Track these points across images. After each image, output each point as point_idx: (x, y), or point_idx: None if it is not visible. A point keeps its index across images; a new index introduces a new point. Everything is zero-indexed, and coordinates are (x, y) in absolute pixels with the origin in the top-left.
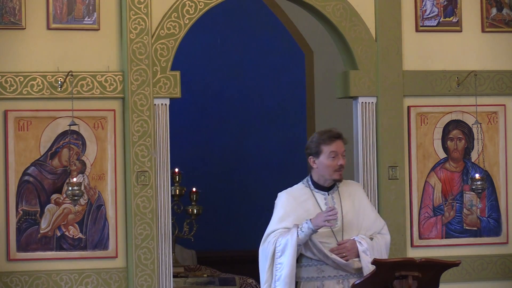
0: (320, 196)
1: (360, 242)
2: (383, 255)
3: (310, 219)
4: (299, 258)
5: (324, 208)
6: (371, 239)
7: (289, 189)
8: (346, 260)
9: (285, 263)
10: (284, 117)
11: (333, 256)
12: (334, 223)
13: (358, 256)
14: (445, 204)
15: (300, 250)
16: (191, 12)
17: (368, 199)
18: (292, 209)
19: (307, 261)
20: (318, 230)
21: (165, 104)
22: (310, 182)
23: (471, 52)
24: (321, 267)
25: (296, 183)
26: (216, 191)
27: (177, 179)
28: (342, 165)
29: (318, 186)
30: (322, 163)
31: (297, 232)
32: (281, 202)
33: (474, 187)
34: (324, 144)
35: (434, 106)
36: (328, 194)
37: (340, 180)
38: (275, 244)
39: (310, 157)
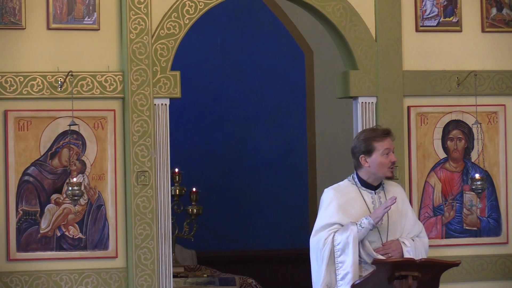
0: (367, 194)
1: (404, 243)
2: (423, 257)
3: (369, 215)
4: None
5: (371, 206)
6: (413, 240)
7: (335, 185)
8: None
9: (349, 262)
10: (284, 117)
11: (379, 256)
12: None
13: (402, 256)
14: (445, 204)
15: None
16: (191, 12)
17: (409, 202)
18: (342, 205)
19: None
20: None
21: (165, 104)
22: (357, 180)
23: (471, 52)
24: (365, 266)
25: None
26: (216, 191)
27: (177, 179)
28: (395, 162)
29: (365, 184)
30: (375, 161)
31: (357, 228)
32: (330, 198)
33: (474, 187)
34: (376, 141)
35: (434, 106)
36: (375, 193)
37: (392, 178)
38: (333, 243)
39: (362, 156)
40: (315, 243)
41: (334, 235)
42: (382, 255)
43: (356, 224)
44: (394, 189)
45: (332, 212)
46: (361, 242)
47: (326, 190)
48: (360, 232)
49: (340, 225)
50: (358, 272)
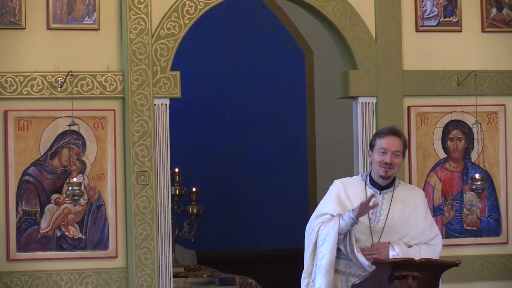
0: (371, 193)
1: (393, 247)
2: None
3: (353, 209)
4: None
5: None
6: (410, 246)
7: (346, 178)
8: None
9: (325, 252)
10: (284, 117)
11: (359, 254)
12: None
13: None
14: (445, 204)
15: (341, 240)
16: (191, 12)
17: (426, 209)
18: (341, 198)
19: (338, 253)
20: (357, 228)
21: (165, 104)
22: (368, 177)
23: (471, 52)
24: (349, 263)
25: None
26: (216, 191)
27: (177, 179)
28: (388, 163)
29: (373, 183)
30: (373, 157)
31: (339, 221)
32: (333, 189)
33: (474, 187)
34: (378, 138)
35: (434, 106)
36: (380, 193)
37: (384, 177)
38: (318, 233)
39: (369, 150)
40: (307, 232)
41: (320, 226)
42: (367, 255)
43: (340, 216)
44: (407, 193)
45: (329, 203)
46: (349, 235)
47: (335, 181)
48: (342, 224)
49: (331, 215)
50: (334, 265)
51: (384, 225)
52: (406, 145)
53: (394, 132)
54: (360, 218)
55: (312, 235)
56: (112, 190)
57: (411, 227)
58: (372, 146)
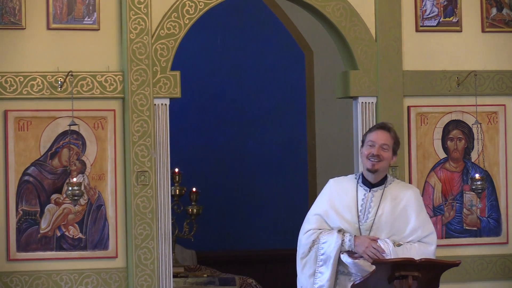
0: (361, 191)
1: (380, 246)
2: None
3: (355, 237)
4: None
5: (360, 203)
6: (399, 245)
7: (340, 177)
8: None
9: (326, 275)
10: (284, 117)
11: (344, 256)
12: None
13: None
14: (445, 204)
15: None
16: (191, 12)
17: (420, 207)
18: (332, 198)
19: None
20: (345, 226)
21: (165, 104)
22: (360, 176)
23: (471, 52)
24: (340, 277)
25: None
26: (216, 191)
27: (177, 179)
28: (375, 155)
29: (365, 181)
30: (362, 152)
31: (341, 242)
32: (325, 188)
33: (474, 187)
34: (368, 133)
35: (434, 106)
36: (370, 191)
37: (371, 171)
38: (318, 251)
39: (360, 147)
40: (303, 240)
41: (319, 244)
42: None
43: (342, 238)
44: (400, 191)
45: (321, 204)
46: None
47: (329, 180)
48: (342, 247)
49: (321, 216)
50: (333, 286)
51: (373, 223)
52: (397, 141)
53: (383, 126)
54: (349, 217)
55: (312, 252)
56: (112, 190)
57: (399, 225)
58: (363, 143)
